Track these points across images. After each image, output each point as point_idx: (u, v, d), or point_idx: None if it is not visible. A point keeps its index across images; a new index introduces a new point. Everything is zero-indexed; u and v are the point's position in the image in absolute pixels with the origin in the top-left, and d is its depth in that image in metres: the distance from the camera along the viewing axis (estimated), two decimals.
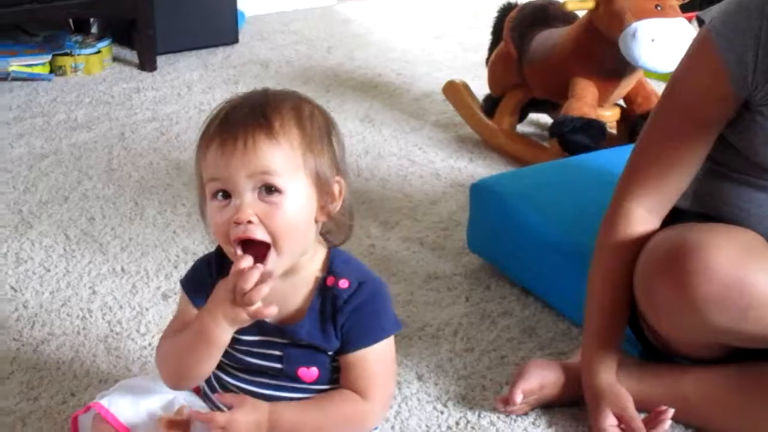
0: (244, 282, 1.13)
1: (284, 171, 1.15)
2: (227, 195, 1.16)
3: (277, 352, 1.23)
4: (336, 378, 1.24)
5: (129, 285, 1.95)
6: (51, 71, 3.23)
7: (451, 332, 1.80)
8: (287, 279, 1.21)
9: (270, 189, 1.15)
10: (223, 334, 1.18)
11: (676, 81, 1.51)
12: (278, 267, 1.17)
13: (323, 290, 1.22)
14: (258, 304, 1.14)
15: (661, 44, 2.23)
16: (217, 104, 1.23)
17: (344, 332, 1.21)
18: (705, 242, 1.38)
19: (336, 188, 1.21)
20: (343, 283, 1.21)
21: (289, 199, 1.15)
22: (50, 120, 2.85)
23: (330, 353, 1.23)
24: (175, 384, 1.26)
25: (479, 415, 1.56)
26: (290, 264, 1.19)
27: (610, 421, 1.47)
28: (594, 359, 1.53)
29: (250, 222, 1.14)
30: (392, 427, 1.53)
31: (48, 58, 3.23)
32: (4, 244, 2.11)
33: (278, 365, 1.23)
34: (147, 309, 1.86)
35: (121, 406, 1.27)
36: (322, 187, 1.19)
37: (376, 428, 1.31)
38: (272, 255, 1.15)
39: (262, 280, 1.14)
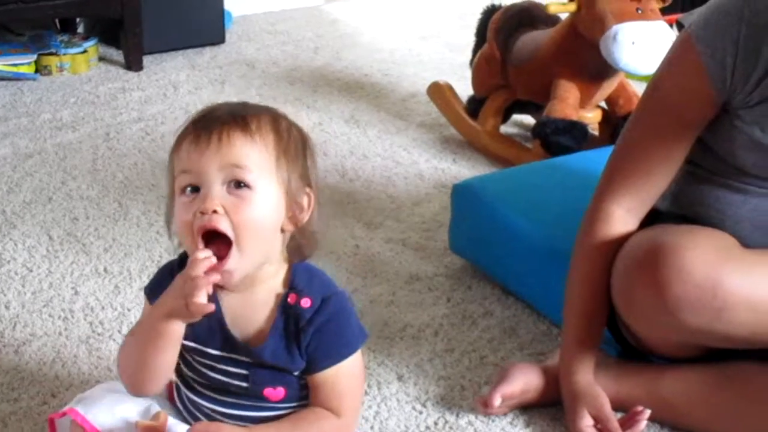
0: (192, 268, 1.12)
1: (256, 168, 1.15)
2: (196, 190, 1.15)
3: (242, 371, 1.22)
4: (305, 395, 1.23)
5: (111, 285, 1.95)
6: (36, 71, 3.23)
7: (431, 333, 1.81)
8: (247, 293, 1.20)
9: (239, 184, 1.15)
10: (170, 326, 1.16)
11: (657, 83, 1.52)
12: (239, 268, 1.15)
13: (286, 308, 1.20)
14: (202, 299, 1.12)
15: (641, 47, 2.24)
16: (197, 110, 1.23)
17: (309, 352, 1.20)
18: (680, 244, 1.39)
19: (305, 200, 1.21)
20: (305, 302, 1.19)
21: (257, 196, 1.15)
22: (35, 120, 2.85)
23: (296, 373, 1.22)
24: (135, 386, 1.23)
25: (458, 415, 1.57)
26: (251, 268, 1.17)
27: (586, 422, 1.48)
28: (572, 359, 1.54)
29: (215, 212, 1.13)
30: (371, 427, 1.54)
31: (33, 57, 3.22)
32: None
33: (244, 384, 1.23)
34: (129, 310, 1.86)
35: (98, 412, 1.26)
36: (291, 196, 1.19)
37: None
38: (234, 253, 1.14)
39: (214, 270, 1.13)
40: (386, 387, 1.64)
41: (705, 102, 1.45)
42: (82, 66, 3.29)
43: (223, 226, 1.13)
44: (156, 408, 1.27)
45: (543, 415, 1.58)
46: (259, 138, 1.17)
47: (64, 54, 3.26)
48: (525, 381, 1.57)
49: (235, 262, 1.15)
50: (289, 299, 1.20)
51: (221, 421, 1.25)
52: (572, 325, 1.56)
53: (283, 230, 1.20)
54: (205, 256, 1.13)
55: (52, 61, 3.24)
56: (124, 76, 3.26)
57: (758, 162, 1.45)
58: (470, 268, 2.03)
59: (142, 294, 1.87)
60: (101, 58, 3.40)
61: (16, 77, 3.17)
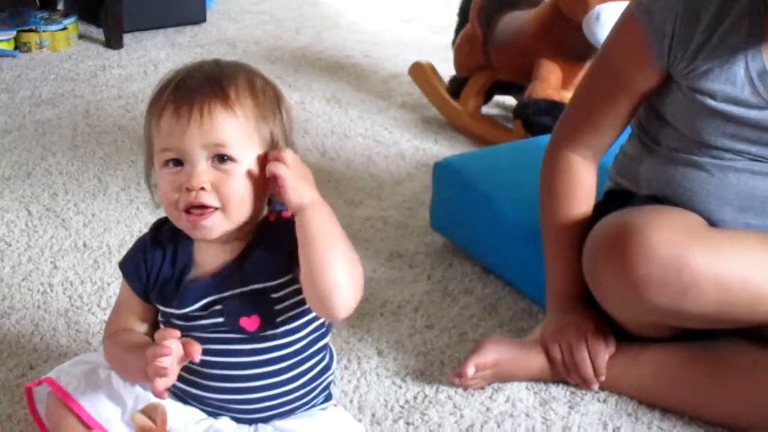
0: (159, 352, 1.12)
1: (238, 142, 1.15)
2: (179, 163, 1.15)
3: (215, 306, 1.21)
4: (280, 322, 1.21)
5: (91, 260, 1.94)
6: (16, 47, 3.20)
7: (411, 309, 1.81)
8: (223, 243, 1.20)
9: (223, 158, 1.14)
10: None
11: (604, 47, 1.60)
12: (222, 227, 1.16)
13: (267, 226, 1.21)
14: (158, 383, 1.13)
15: None
16: (168, 72, 1.21)
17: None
18: (644, 225, 1.41)
19: None
20: (287, 214, 1.19)
21: (242, 168, 1.15)
22: (14, 96, 2.83)
23: (277, 282, 1.20)
24: (126, 379, 1.26)
25: (437, 390, 1.58)
26: (234, 227, 1.17)
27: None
28: (559, 300, 1.62)
29: (202, 189, 1.13)
30: (351, 401, 1.54)
31: (13, 34, 3.20)
32: None
33: (219, 319, 1.21)
34: (108, 284, 1.85)
35: (76, 382, 1.25)
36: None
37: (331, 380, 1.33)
38: (218, 215, 1.15)
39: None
40: (366, 362, 1.65)
41: (646, 67, 1.50)
42: (62, 43, 3.27)
43: (210, 201, 1.14)
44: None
45: (522, 390, 1.58)
46: (239, 109, 1.15)
47: (44, 31, 3.25)
48: (498, 352, 1.58)
49: (218, 222, 1.15)
50: (270, 217, 1.21)
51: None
52: (555, 270, 1.62)
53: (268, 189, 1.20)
54: (169, 348, 1.12)
55: (32, 38, 3.22)
56: (104, 54, 3.24)
57: (717, 131, 1.47)
58: (451, 247, 2.03)
59: None
60: (81, 36, 3.38)
61: None
